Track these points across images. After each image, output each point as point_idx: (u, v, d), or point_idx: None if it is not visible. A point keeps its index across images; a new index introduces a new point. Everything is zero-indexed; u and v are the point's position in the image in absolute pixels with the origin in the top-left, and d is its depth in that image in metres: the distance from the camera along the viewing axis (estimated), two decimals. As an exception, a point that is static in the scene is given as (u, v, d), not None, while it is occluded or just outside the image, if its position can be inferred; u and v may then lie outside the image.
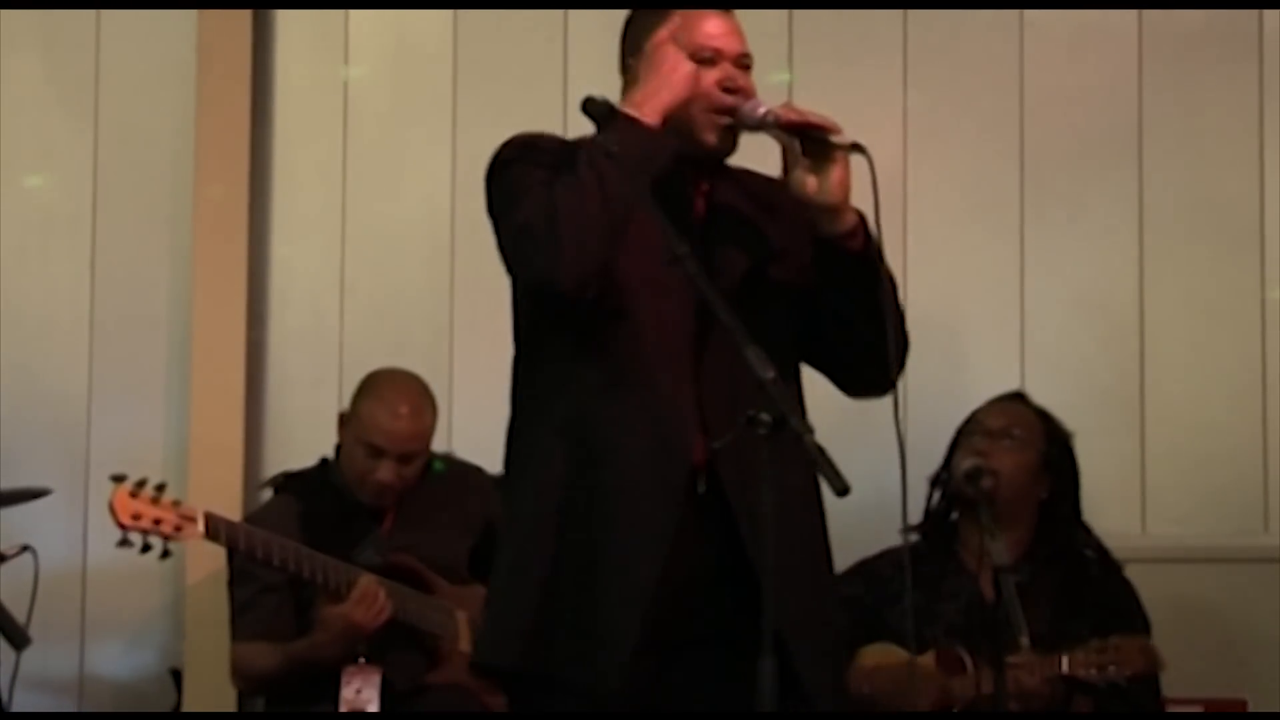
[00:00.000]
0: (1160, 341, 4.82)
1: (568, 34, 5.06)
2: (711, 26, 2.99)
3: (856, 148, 2.90)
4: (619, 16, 4.83)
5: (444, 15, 5.13)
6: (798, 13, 4.90)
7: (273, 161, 5.16)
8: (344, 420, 4.37)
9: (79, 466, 5.01)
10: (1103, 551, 4.23)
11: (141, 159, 5.18)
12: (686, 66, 2.92)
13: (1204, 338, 4.81)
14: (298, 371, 5.12)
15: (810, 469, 2.94)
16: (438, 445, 4.46)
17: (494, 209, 2.97)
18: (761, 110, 2.93)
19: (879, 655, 4.06)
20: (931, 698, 4.01)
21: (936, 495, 4.21)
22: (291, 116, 5.18)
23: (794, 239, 3.02)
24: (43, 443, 5.07)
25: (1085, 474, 4.29)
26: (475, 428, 4.86)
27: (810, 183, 2.92)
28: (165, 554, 3.96)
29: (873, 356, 2.93)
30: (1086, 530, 4.24)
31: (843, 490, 2.66)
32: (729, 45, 2.99)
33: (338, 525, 4.27)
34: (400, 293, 5.11)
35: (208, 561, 4.58)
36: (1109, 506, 4.57)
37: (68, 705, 5.02)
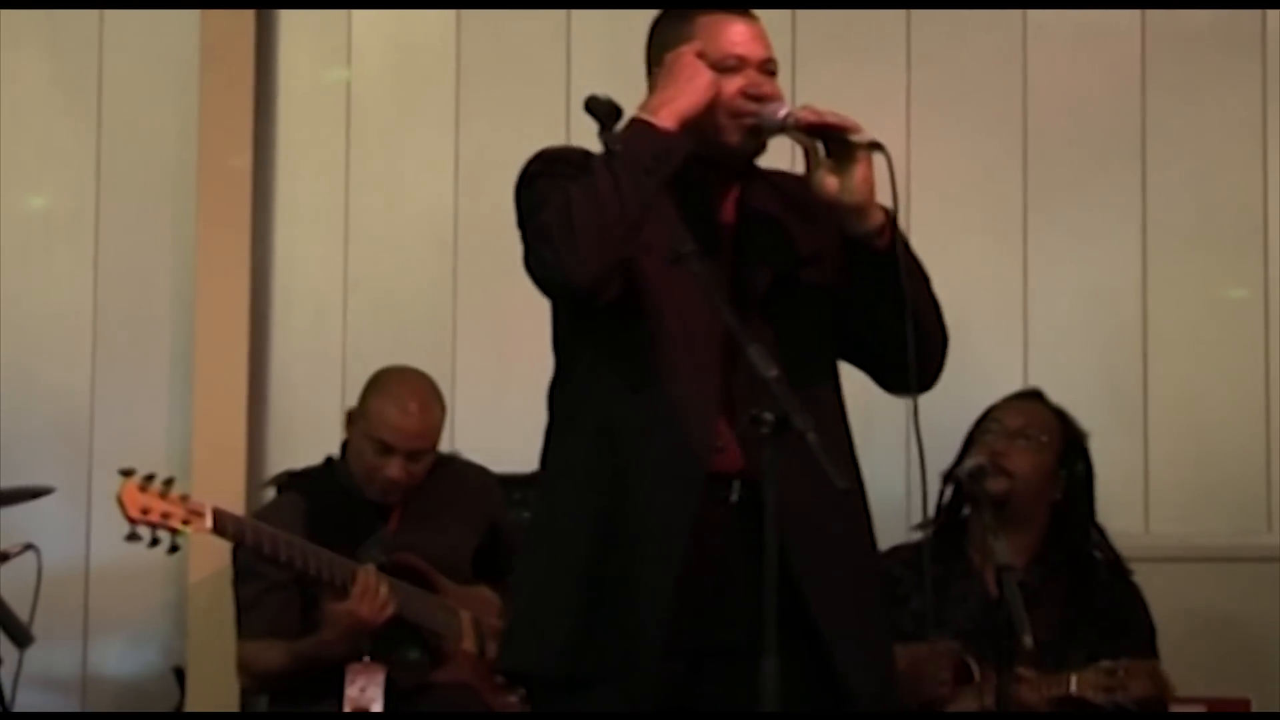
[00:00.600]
0: (1163, 341, 4.82)
1: (570, 33, 5.07)
2: (735, 34, 2.98)
3: (876, 146, 2.89)
4: (622, 16, 4.86)
5: (447, 15, 5.14)
6: (801, 12, 4.90)
7: (276, 161, 5.16)
8: (352, 417, 4.37)
9: (82, 465, 5.02)
10: (1113, 556, 4.20)
11: (145, 159, 5.18)
12: (705, 76, 2.91)
13: (1207, 337, 4.81)
14: (301, 370, 5.12)
15: (855, 472, 2.97)
16: (443, 445, 4.46)
17: (520, 221, 2.97)
18: (782, 113, 2.93)
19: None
20: (949, 676, 3.97)
21: (949, 491, 4.19)
22: (294, 116, 5.19)
23: (829, 239, 3.01)
24: (45, 441, 5.07)
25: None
26: (478, 426, 4.87)
27: (833, 183, 2.91)
28: (173, 549, 3.96)
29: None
30: (1100, 532, 4.23)
31: (845, 489, 2.65)
32: (752, 51, 2.98)
33: (343, 524, 4.27)
34: (403, 292, 5.11)
35: (211, 560, 4.59)
36: (1112, 506, 4.56)
37: (70, 704, 5.03)
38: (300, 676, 4.19)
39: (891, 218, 2.94)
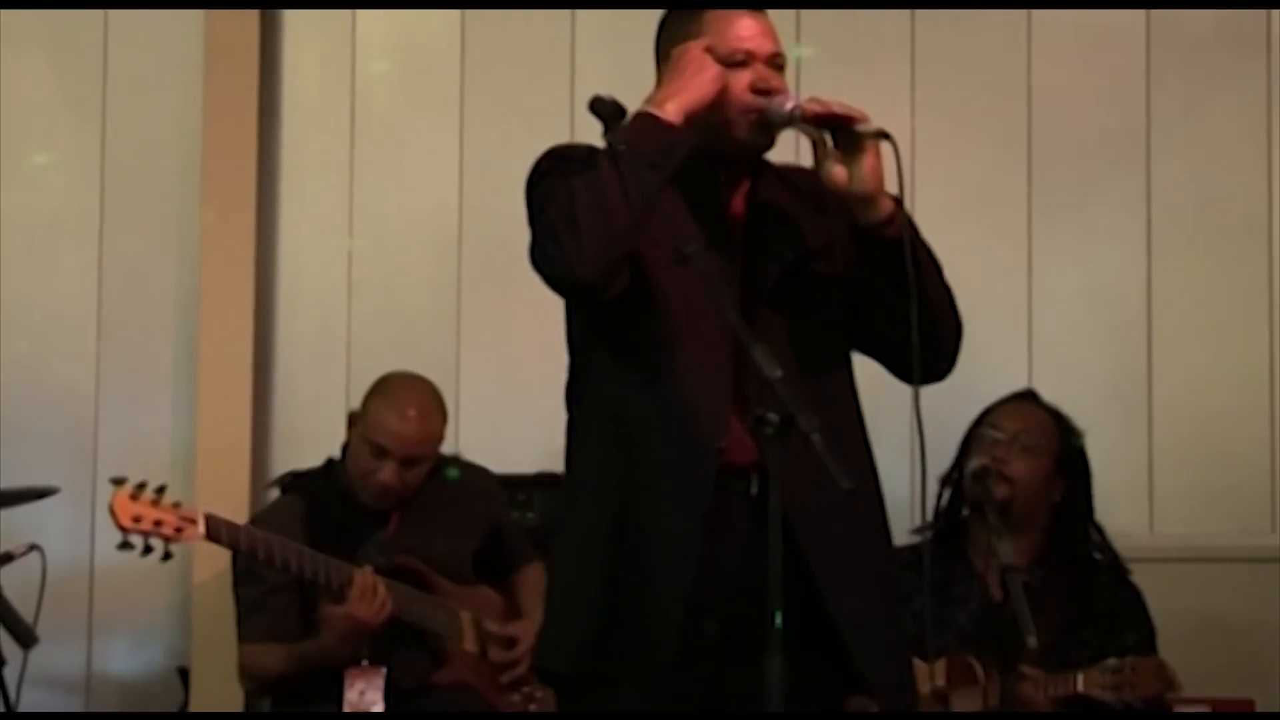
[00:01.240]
0: (1168, 340, 4.82)
1: (575, 33, 5.07)
2: (743, 29, 2.98)
3: (882, 134, 2.90)
4: (626, 16, 4.86)
5: (451, 15, 5.14)
6: (805, 12, 4.90)
7: (280, 162, 5.17)
8: (353, 420, 4.36)
9: (86, 465, 5.02)
10: (1113, 556, 4.21)
11: (149, 159, 5.18)
12: (713, 69, 2.91)
13: (1212, 337, 4.81)
14: (305, 371, 5.13)
15: (869, 463, 2.97)
16: (444, 445, 4.46)
17: (529, 220, 2.97)
18: (789, 106, 2.93)
19: None
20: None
21: (947, 494, 4.20)
22: (299, 116, 5.19)
23: (840, 231, 3.01)
24: (50, 441, 5.07)
25: (1093, 473, 4.29)
26: (482, 427, 4.87)
27: (841, 173, 2.92)
28: (167, 556, 3.95)
29: (925, 342, 2.92)
30: (1100, 531, 4.23)
31: (849, 489, 2.66)
32: (760, 46, 2.98)
33: (342, 526, 4.26)
34: (408, 292, 5.11)
35: (214, 560, 4.58)
36: (1116, 506, 4.56)
37: (75, 704, 5.03)
38: (301, 679, 4.19)
39: (902, 206, 2.95)
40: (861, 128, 2.90)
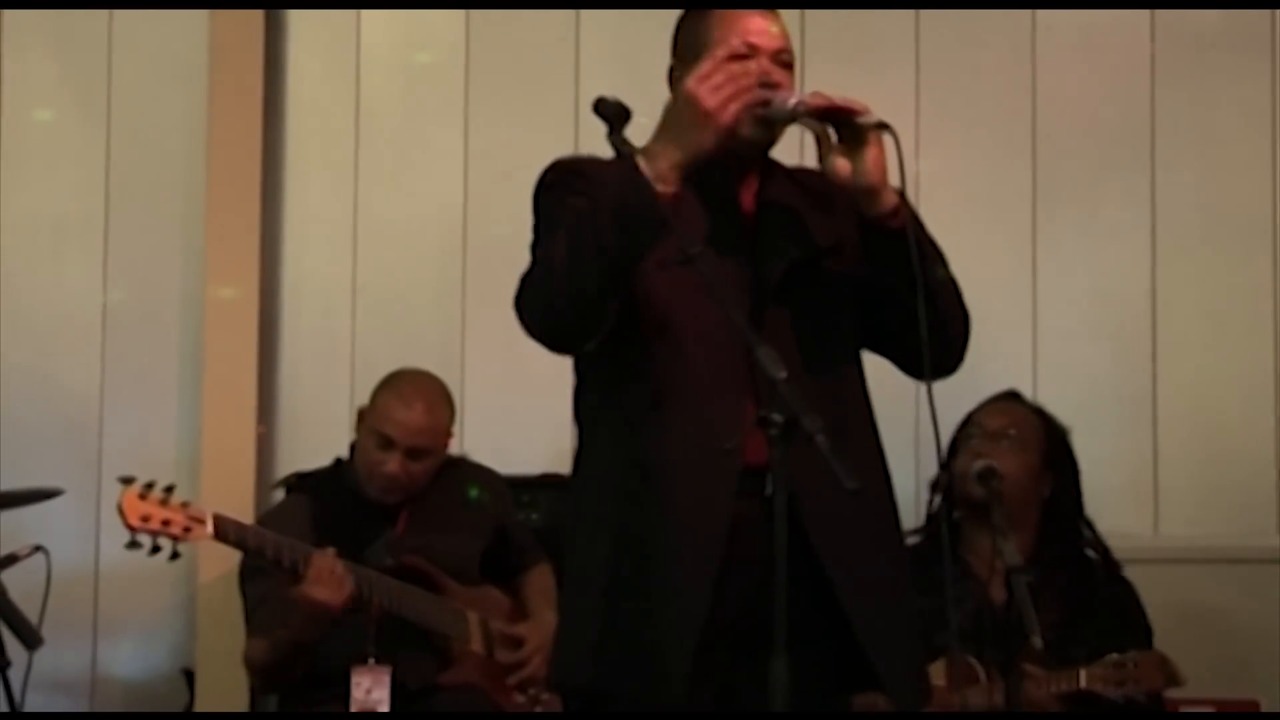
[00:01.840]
0: (1173, 342, 4.82)
1: (579, 34, 5.07)
2: (751, 24, 3.00)
3: (883, 126, 2.91)
4: (630, 17, 4.86)
5: (456, 15, 5.14)
6: (810, 13, 4.90)
7: (285, 162, 5.17)
8: (362, 415, 4.37)
9: (91, 467, 5.02)
10: (1104, 552, 4.21)
11: (154, 160, 5.19)
12: (710, 122, 2.82)
13: (1216, 338, 4.81)
14: (310, 372, 5.13)
15: (879, 461, 2.98)
16: (449, 446, 4.46)
17: (533, 230, 2.98)
18: (792, 101, 2.94)
19: None
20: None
21: (937, 499, 4.20)
22: (303, 117, 5.19)
23: (849, 229, 3.02)
24: (55, 443, 5.08)
25: (1097, 475, 4.29)
26: (486, 429, 4.87)
27: (845, 166, 2.93)
28: (174, 555, 3.95)
29: (933, 336, 2.91)
30: (1090, 527, 4.23)
31: (853, 491, 2.65)
32: (766, 42, 3.00)
33: (350, 526, 4.26)
34: (412, 294, 5.12)
35: (220, 561, 4.59)
36: (1121, 508, 4.57)
37: (80, 705, 5.03)
38: (295, 667, 4.17)
39: (905, 198, 2.95)
40: (863, 120, 2.91)
